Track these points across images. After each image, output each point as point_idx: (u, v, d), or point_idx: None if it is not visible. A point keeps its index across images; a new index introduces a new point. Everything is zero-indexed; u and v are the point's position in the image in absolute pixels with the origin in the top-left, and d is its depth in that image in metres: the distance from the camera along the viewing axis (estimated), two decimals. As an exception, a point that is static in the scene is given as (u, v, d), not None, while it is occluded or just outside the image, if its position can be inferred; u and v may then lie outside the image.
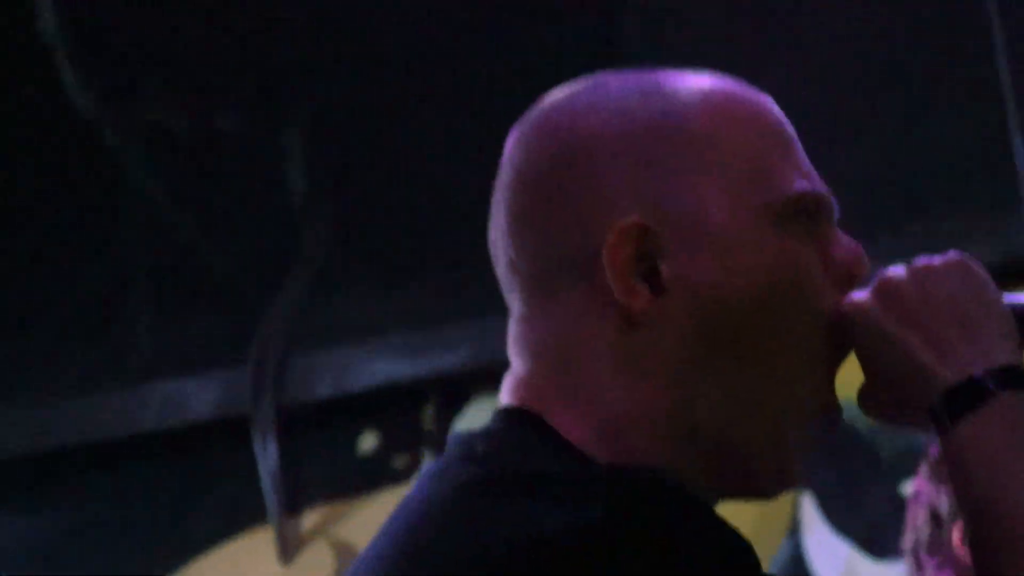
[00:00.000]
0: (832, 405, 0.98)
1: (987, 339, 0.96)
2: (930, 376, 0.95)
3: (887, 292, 0.97)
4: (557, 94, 1.03)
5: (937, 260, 0.98)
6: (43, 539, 3.71)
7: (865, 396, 0.98)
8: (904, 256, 1.03)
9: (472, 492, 0.88)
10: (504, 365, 2.52)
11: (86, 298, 3.56)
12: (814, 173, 1.01)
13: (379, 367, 3.56)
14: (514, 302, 1.02)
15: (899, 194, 3.06)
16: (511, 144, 1.03)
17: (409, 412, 3.59)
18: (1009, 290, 1.09)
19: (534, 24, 3.32)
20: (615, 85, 1.02)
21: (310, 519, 3.58)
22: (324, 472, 3.64)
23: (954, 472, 0.94)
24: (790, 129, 1.02)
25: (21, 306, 3.62)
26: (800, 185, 0.97)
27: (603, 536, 0.81)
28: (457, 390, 3.60)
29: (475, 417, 3.55)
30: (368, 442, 3.61)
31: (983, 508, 0.91)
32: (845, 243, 0.99)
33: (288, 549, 3.55)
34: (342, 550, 3.57)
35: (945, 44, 3.21)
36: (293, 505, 3.56)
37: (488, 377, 3.42)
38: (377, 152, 3.52)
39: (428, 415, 3.57)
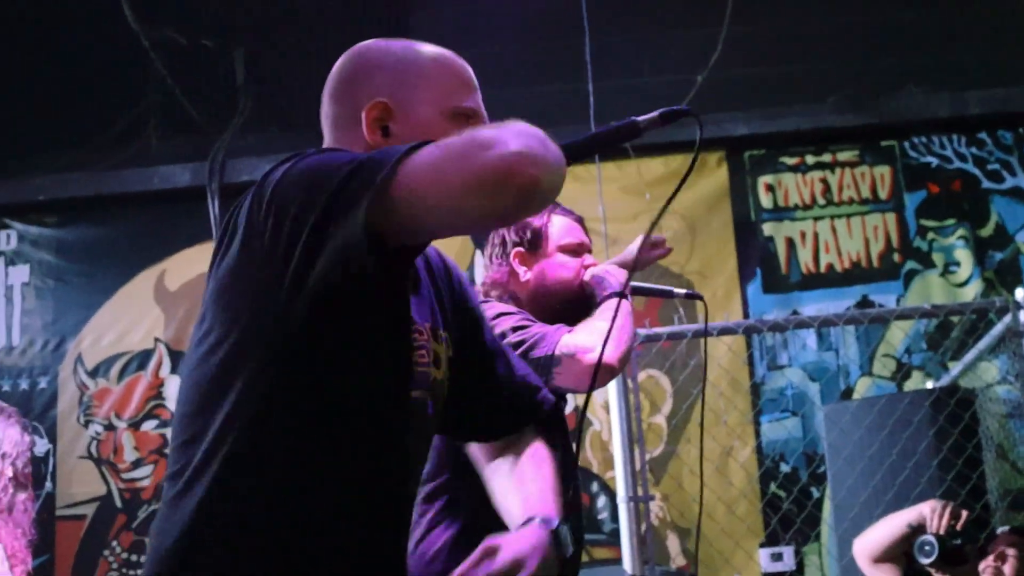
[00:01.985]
0: None
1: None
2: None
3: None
4: (363, 43, 1.66)
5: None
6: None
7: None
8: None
9: None
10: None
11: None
12: (480, 106, 1.66)
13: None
14: (325, 134, 1.67)
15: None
16: (336, 64, 1.67)
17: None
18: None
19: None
20: (391, 42, 1.67)
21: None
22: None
23: None
24: (474, 81, 1.67)
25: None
26: (466, 103, 1.64)
27: None
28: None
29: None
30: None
31: None
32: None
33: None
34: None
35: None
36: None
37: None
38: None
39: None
